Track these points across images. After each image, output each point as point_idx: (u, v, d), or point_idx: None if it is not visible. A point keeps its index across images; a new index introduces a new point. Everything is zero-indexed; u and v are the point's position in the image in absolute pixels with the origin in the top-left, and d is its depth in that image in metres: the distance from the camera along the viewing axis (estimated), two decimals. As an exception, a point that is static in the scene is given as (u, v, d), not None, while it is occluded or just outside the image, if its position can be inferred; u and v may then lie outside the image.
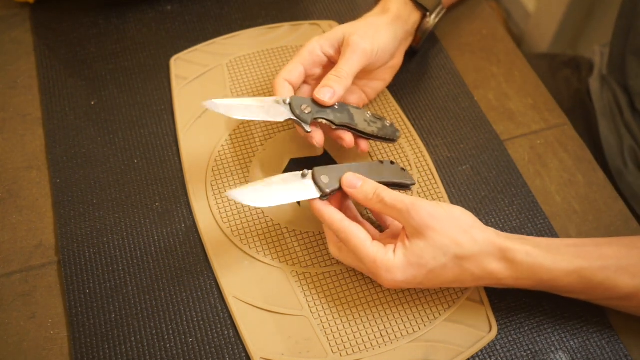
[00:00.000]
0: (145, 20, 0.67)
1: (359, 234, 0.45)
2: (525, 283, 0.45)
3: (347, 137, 0.52)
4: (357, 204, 0.52)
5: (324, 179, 0.47)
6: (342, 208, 0.50)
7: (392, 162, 0.51)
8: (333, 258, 0.51)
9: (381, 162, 0.51)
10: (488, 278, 0.45)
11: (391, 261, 0.44)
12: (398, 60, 0.58)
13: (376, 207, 0.46)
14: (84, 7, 0.68)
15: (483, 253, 0.44)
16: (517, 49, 0.67)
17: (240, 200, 0.45)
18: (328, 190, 0.47)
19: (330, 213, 0.47)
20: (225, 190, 0.54)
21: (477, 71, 0.64)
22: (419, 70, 0.64)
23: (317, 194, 0.47)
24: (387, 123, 0.55)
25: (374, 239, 0.47)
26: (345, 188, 0.47)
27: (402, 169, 0.52)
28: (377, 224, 0.53)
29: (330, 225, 0.47)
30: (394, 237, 0.48)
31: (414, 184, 0.52)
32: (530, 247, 0.44)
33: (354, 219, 0.50)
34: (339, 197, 0.49)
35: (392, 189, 0.48)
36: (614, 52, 0.73)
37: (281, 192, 0.47)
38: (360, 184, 0.47)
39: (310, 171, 0.48)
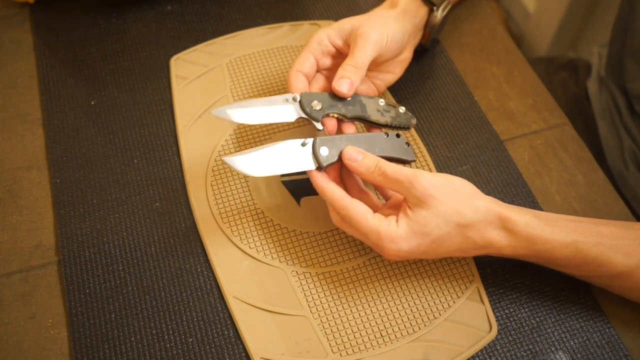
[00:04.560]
0: (145, 20, 0.67)
1: (360, 210, 0.45)
2: (522, 252, 0.46)
3: (348, 132, 0.52)
4: None
5: (323, 152, 0.47)
6: (345, 176, 0.50)
7: (397, 135, 0.50)
8: (333, 258, 0.51)
9: (386, 134, 0.50)
10: (488, 247, 0.46)
11: (395, 232, 0.44)
12: (408, 54, 0.58)
13: (377, 180, 0.47)
14: (84, 7, 0.68)
15: (484, 221, 0.45)
16: (517, 49, 0.67)
17: (236, 167, 0.45)
18: (325, 164, 0.47)
19: (332, 190, 0.46)
20: (225, 190, 0.54)
21: (477, 71, 0.65)
22: (419, 70, 0.64)
23: (314, 166, 0.47)
24: (402, 110, 0.54)
25: (376, 210, 0.48)
26: (346, 161, 0.47)
27: (407, 143, 0.51)
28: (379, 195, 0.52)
29: (331, 202, 0.47)
30: (396, 208, 0.48)
31: (414, 160, 0.51)
32: (530, 217, 0.45)
33: (357, 188, 0.50)
34: (339, 164, 0.49)
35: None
36: (612, 54, 0.73)
37: (278, 161, 0.46)
38: (361, 157, 0.47)
39: (310, 140, 0.47)
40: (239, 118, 0.49)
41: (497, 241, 0.45)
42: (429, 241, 0.45)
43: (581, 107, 0.79)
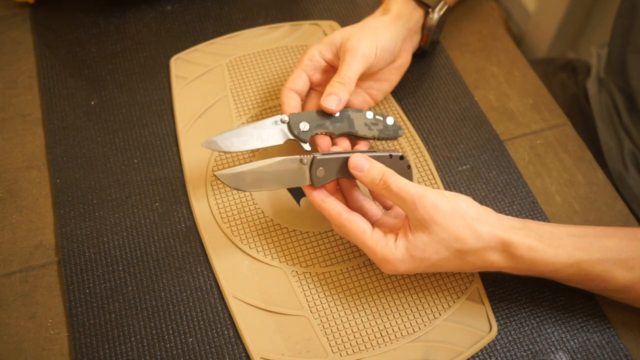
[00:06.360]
0: (145, 20, 0.67)
1: (358, 227, 0.45)
2: (523, 272, 0.46)
3: (343, 146, 0.53)
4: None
5: (319, 173, 0.47)
6: (343, 186, 0.50)
7: (401, 157, 0.49)
8: (333, 258, 0.51)
9: (390, 155, 0.49)
10: (488, 267, 0.46)
11: (392, 253, 0.44)
12: (404, 60, 0.58)
13: (382, 193, 0.46)
14: (84, 7, 0.68)
15: (485, 247, 0.44)
16: (517, 49, 0.67)
17: (228, 184, 0.46)
18: (318, 185, 0.47)
19: (329, 207, 0.46)
20: (225, 190, 0.54)
21: (477, 71, 0.64)
22: (419, 70, 0.64)
23: (308, 183, 0.47)
24: (389, 122, 0.54)
25: (376, 217, 0.48)
26: (352, 170, 0.47)
27: (408, 166, 0.50)
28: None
29: (329, 218, 0.47)
30: (396, 217, 0.49)
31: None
32: (533, 240, 0.44)
33: (355, 195, 0.50)
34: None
35: None
36: (612, 52, 0.73)
37: (273, 178, 0.47)
38: (367, 167, 0.46)
39: (309, 158, 0.47)
40: (230, 147, 0.49)
41: (498, 262, 0.45)
42: (427, 264, 0.45)
43: (581, 108, 0.79)
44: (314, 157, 0.47)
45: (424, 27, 0.60)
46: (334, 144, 0.53)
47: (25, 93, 0.61)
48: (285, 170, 0.47)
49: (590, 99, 0.77)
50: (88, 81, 0.62)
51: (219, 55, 0.64)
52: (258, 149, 0.57)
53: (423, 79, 0.64)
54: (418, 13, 0.58)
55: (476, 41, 0.67)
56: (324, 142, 0.52)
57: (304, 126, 0.51)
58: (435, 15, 0.59)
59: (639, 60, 0.68)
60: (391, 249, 0.44)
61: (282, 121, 0.51)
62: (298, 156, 0.47)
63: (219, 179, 0.46)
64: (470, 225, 0.44)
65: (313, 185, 0.47)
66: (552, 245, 0.44)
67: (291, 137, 0.51)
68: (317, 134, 0.52)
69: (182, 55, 0.64)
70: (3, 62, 0.63)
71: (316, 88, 0.56)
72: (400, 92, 0.62)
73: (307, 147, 0.51)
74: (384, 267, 0.45)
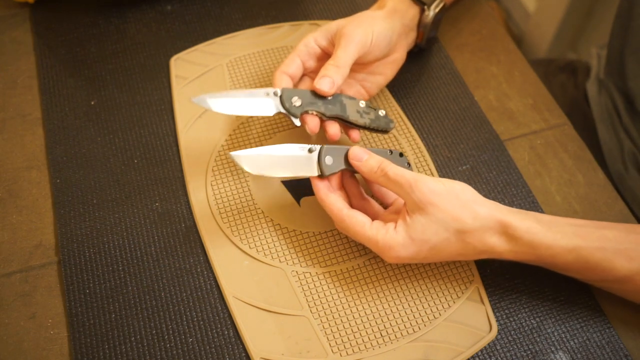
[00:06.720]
0: (145, 20, 0.67)
1: (357, 220, 0.46)
2: (524, 257, 0.46)
3: (331, 130, 0.52)
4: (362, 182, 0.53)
5: (328, 161, 0.48)
6: (347, 183, 0.51)
7: (401, 155, 0.51)
8: (333, 258, 0.51)
9: (390, 151, 0.51)
10: (489, 252, 0.46)
11: (393, 239, 0.45)
12: (399, 55, 0.58)
13: (379, 181, 0.47)
14: (84, 7, 0.68)
15: (484, 227, 0.44)
16: (517, 49, 0.67)
17: (240, 163, 0.46)
18: (327, 174, 0.48)
19: (331, 202, 0.47)
20: (225, 190, 0.54)
21: (477, 71, 0.65)
22: (418, 70, 0.64)
23: (317, 173, 0.48)
24: (381, 113, 0.54)
25: (377, 216, 0.48)
26: (351, 160, 0.48)
27: (408, 163, 0.52)
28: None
29: (330, 214, 0.48)
30: (397, 213, 0.49)
31: None
32: (532, 222, 0.45)
33: (359, 195, 0.51)
34: (342, 173, 0.50)
35: None
36: (611, 53, 0.73)
37: (282, 164, 0.47)
38: (366, 157, 0.48)
39: (317, 147, 0.48)
40: (219, 108, 0.49)
41: (498, 246, 0.45)
42: (427, 247, 0.45)
43: (580, 109, 0.79)
44: (322, 147, 0.48)
45: (420, 24, 0.60)
46: (322, 127, 0.52)
47: (25, 93, 0.61)
48: (294, 156, 0.48)
49: (590, 100, 0.77)
50: (88, 81, 0.62)
51: (219, 55, 0.64)
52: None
53: (423, 79, 0.64)
54: (413, 10, 0.58)
55: (476, 41, 0.67)
56: (312, 121, 0.51)
57: (297, 101, 0.51)
58: (431, 13, 0.59)
59: (637, 62, 0.68)
60: (392, 235, 0.45)
61: (275, 94, 0.51)
62: (307, 145, 0.48)
63: (234, 160, 0.46)
64: (467, 205, 0.44)
65: (322, 173, 0.48)
66: (551, 229, 0.45)
67: (282, 110, 0.51)
68: (307, 111, 0.51)
69: (182, 55, 0.64)
70: (3, 62, 0.63)
71: (309, 75, 0.56)
72: (400, 92, 0.62)
73: (297, 122, 0.51)
74: (386, 255, 0.45)
